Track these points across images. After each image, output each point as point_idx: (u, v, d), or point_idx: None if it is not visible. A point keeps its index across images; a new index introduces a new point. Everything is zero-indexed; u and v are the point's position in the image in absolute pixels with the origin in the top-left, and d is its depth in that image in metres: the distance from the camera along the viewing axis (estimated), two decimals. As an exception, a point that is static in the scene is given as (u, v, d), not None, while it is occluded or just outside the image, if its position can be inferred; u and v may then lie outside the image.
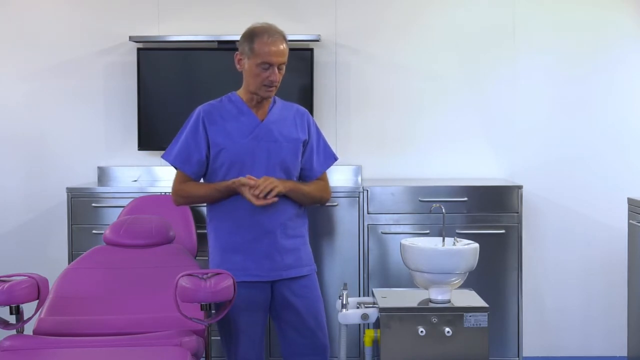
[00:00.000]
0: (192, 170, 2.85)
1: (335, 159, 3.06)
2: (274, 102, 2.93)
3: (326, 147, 3.03)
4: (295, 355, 2.92)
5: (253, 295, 2.85)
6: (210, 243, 2.95)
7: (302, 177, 2.98)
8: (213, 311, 2.96)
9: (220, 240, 2.89)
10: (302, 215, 2.94)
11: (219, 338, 3.95)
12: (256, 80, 2.80)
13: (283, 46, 2.79)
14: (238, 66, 2.87)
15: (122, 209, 3.88)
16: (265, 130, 2.85)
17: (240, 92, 2.92)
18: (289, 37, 4.34)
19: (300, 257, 2.91)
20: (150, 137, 4.41)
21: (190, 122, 2.89)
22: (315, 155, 2.96)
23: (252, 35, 2.80)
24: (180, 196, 2.89)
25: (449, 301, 2.75)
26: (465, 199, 4.00)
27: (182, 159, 2.85)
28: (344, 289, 2.92)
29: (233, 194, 2.79)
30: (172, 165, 2.90)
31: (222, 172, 2.83)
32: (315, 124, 3.01)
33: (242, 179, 2.72)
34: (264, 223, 2.83)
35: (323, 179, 3.00)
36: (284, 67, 2.82)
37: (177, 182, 2.89)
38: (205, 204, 2.99)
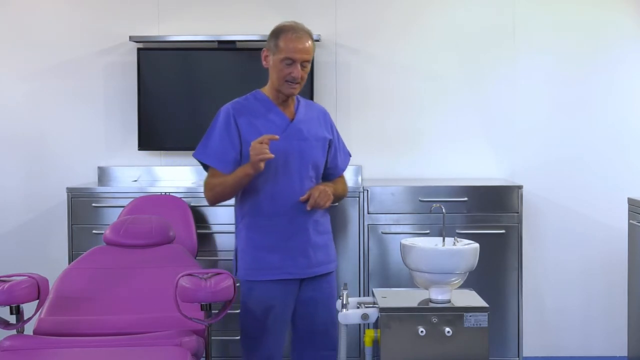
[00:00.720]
0: (229, 169, 2.81)
1: (350, 155, 3.14)
2: (298, 100, 2.96)
3: (344, 145, 3.10)
4: (307, 349, 2.95)
5: (286, 293, 2.87)
6: (240, 242, 2.91)
7: (326, 176, 3.03)
8: (214, 311, 2.97)
9: (253, 239, 2.86)
10: (327, 212, 2.99)
11: (219, 338, 3.98)
12: (279, 75, 2.81)
13: (308, 44, 2.81)
14: (264, 62, 2.88)
15: (122, 209, 3.88)
16: (295, 130, 2.88)
17: (266, 90, 2.92)
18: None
19: (329, 253, 2.98)
20: (150, 137, 4.41)
21: (220, 120, 2.85)
22: (339, 154, 3.04)
23: (278, 31, 2.83)
24: (211, 189, 2.83)
25: (449, 301, 2.75)
26: (465, 199, 4.00)
27: (218, 158, 2.82)
28: (344, 289, 2.92)
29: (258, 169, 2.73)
30: (206, 165, 2.86)
31: None
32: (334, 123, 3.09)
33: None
34: (298, 221, 2.86)
35: (342, 175, 3.10)
36: (308, 65, 2.84)
37: (208, 178, 2.85)
38: (233, 205, 2.98)
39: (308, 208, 2.83)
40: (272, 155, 2.67)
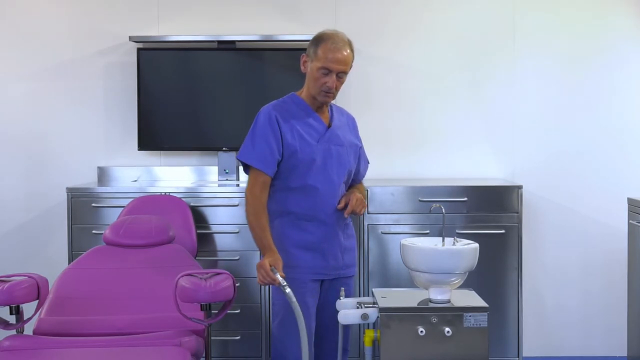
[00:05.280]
0: (272, 171, 2.84)
1: (369, 162, 3.18)
2: (330, 106, 3.00)
3: (364, 152, 3.13)
4: (324, 355, 2.96)
5: (314, 291, 2.89)
6: (274, 238, 2.87)
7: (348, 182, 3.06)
8: (214, 311, 2.97)
9: (290, 237, 2.88)
10: (350, 217, 3.01)
11: (219, 338, 3.98)
12: (315, 84, 2.85)
13: (346, 53, 2.83)
14: (302, 68, 2.92)
15: (122, 209, 3.88)
16: (333, 135, 2.93)
17: (302, 95, 2.95)
18: (289, 37, 4.40)
19: (353, 256, 3.02)
20: (150, 137, 4.41)
21: (263, 122, 2.86)
22: (361, 161, 3.09)
23: (318, 39, 2.86)
24: (253, 210, 2.81)
25: (448, 301, 2.75)
26: (465, 199, 4.00)
27: (263, 161, 2.83)
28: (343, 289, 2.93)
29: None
30: (250, 166, 2.85)
31: (295, 173, 2.86)
32: None
33: (275, 277, 2.70)
34: (332, 223, 2.90)
35: (361, 182, 3.14)
36: (344, 75, 2.86)
37: (258, 187, 2.83)
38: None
39: (346, 215, 2.90)
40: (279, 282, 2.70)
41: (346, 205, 2.90)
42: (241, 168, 4.43)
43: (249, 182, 2.86)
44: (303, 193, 2.87)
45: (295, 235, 2.87)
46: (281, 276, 2.70)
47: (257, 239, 2.82)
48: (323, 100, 2.89)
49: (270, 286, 2.97)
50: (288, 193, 2.88)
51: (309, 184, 2.86)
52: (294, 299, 2.67)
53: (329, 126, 2.94)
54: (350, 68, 2.88)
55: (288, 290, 2.67)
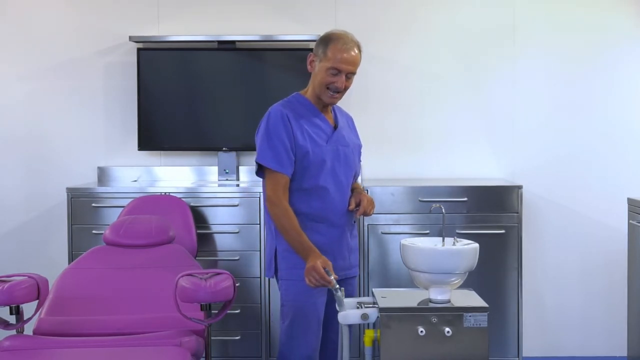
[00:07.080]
0: (291, 172, 2.82)
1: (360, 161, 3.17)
2: (332, 107, 2.99)
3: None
4: (328, 352, 2.96)
5: (322, 292, 2.88)
6: (284, 242, 2.86)
7: None
8: (214, 311, 2.97)
9: None
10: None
11: (219, 338, 3.98)
12: (322, 83, 2.83)
13: (356, 55, 2.83)
14: (309, 67, 2.90)
15: (122, 209, 3.88)
16: (340, 136, 2.93)
17: (306, 95, 2.93)
18: (289, 37, 4.40)
19: (357, 257, 3.04)
20: (150, 137, 4.41)
21: (275, 121, 2.82)
22: (358, 160, 3.09)
23: (328, 39, 2.84)
24: (283, 213, 2.77)
25: (448, 301, 2.75)
26: (465, 199, 4.00)
27: (282, 163, 2.80)
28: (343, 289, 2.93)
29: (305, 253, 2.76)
30: (266, 167, 2.82)
31: (307, 174, 2.84)
32: None
33: (330, 279, 2.66)
34: (341, 224, 2.91)
35: (357, 182, 3.13)
36: (352, 77, 2.86)
37: (280, 189, 2.80)
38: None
39: (357, 216, 2.92)
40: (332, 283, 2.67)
41: (357, 207, 2.91)
42: (242, 168, 4.44)
43: (269, 185, 2.82)
44: (314, 194, 2.86)
45: (311, 235, 2.83)
46: (335, 278, 2.68)
47: (296, 242, 2.76)
48: (329, 101, 2.87)
49: (276, 287, 2.95)
50: (299, 194, 2.86)
51: (320, 185, 2.85)
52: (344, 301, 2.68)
53: (335, 127, 2.94)
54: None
55: (340, 292, 2.68)
